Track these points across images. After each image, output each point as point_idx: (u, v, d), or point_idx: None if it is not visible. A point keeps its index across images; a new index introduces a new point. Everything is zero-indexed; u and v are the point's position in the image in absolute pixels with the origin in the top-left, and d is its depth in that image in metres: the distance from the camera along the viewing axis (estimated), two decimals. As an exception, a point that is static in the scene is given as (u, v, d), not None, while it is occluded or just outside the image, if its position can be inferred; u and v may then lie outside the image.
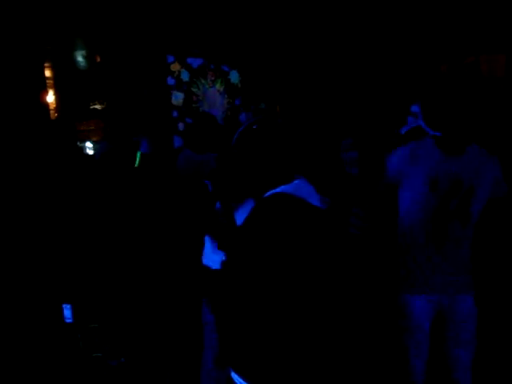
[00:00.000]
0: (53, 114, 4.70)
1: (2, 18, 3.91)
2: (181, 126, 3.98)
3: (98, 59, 4.51)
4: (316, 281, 1.24)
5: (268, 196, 1.23)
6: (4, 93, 3.99)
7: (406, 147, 1.92)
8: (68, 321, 2.60)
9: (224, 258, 1.28)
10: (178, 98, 3.99)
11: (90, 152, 4.44)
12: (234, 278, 1.23)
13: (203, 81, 4.12)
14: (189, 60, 4.07)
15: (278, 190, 1.22)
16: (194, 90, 4.08)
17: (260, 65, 4.39)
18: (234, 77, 4.31)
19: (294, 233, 1.16)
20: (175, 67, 4.00)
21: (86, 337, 2.56)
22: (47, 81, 4.61)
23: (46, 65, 4.55)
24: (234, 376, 1.28)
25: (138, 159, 2.72)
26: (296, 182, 1.26)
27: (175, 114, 3.98)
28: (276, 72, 4.43)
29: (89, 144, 4.46)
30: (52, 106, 4.74)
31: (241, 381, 1.25)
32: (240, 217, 1.50)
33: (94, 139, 4.47)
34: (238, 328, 1.24)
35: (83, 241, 2.69)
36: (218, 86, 4.21)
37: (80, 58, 4.63)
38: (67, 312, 2.61)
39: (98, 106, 4.65)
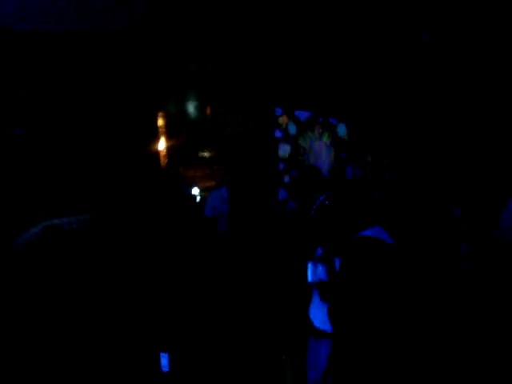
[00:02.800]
0: (163, 160, 4.99)
1: (122, 73, 4.31)
2: (286, 178, 3.98)
3: (209, 111, 4.76)
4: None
5: (356, 239, 1.71)
6: (122, 139, 4.35)
7: None
8: (164, 370, 2.59)
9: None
10: (284, 150, 4.01)
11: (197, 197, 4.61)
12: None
13: (310, 134, 4.12)
14: (297, 113, 4.11)
15: (361, 234, 1.70)
16: (301, 142, 4.09)
17: (368, 118, 4.31)
18: (342, 130, 4.27)
19: (379, 262, 1.61)
20: (283, 120, 4.05)
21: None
22: (159, 129, 4.95)
23: (159, 114, 4.89)
24: None
25: None
26: (373, 227, 1.73)
27: (281, 166, 4.00)
28: (383, 126, 4.32)
29: (195, 190, 4.64)
30: (163, 152, 5.03)
31: None
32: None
33: (201, 185, 4.65)
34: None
35: (184, 287, 2.71)
36: (325, 138, 4.18)
37: (192, 109, 4.92)
38: (164, 361, 2.60)
39: (206, 154, 4.88)
